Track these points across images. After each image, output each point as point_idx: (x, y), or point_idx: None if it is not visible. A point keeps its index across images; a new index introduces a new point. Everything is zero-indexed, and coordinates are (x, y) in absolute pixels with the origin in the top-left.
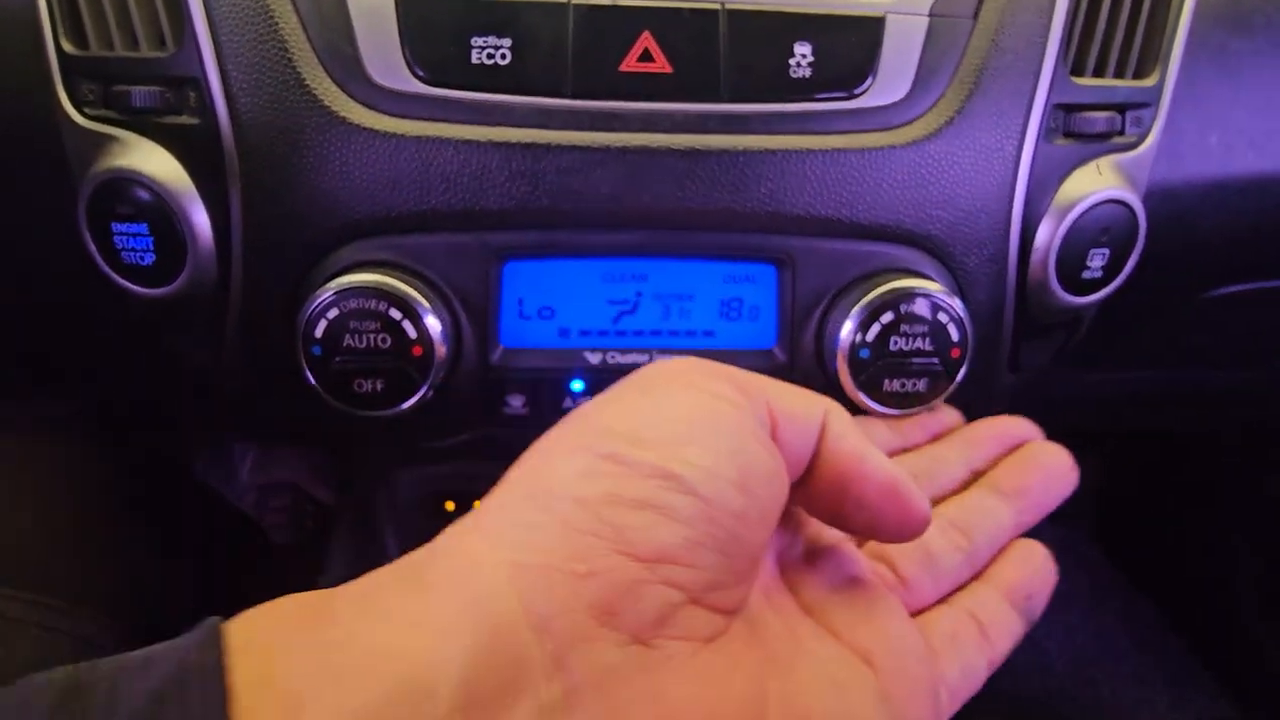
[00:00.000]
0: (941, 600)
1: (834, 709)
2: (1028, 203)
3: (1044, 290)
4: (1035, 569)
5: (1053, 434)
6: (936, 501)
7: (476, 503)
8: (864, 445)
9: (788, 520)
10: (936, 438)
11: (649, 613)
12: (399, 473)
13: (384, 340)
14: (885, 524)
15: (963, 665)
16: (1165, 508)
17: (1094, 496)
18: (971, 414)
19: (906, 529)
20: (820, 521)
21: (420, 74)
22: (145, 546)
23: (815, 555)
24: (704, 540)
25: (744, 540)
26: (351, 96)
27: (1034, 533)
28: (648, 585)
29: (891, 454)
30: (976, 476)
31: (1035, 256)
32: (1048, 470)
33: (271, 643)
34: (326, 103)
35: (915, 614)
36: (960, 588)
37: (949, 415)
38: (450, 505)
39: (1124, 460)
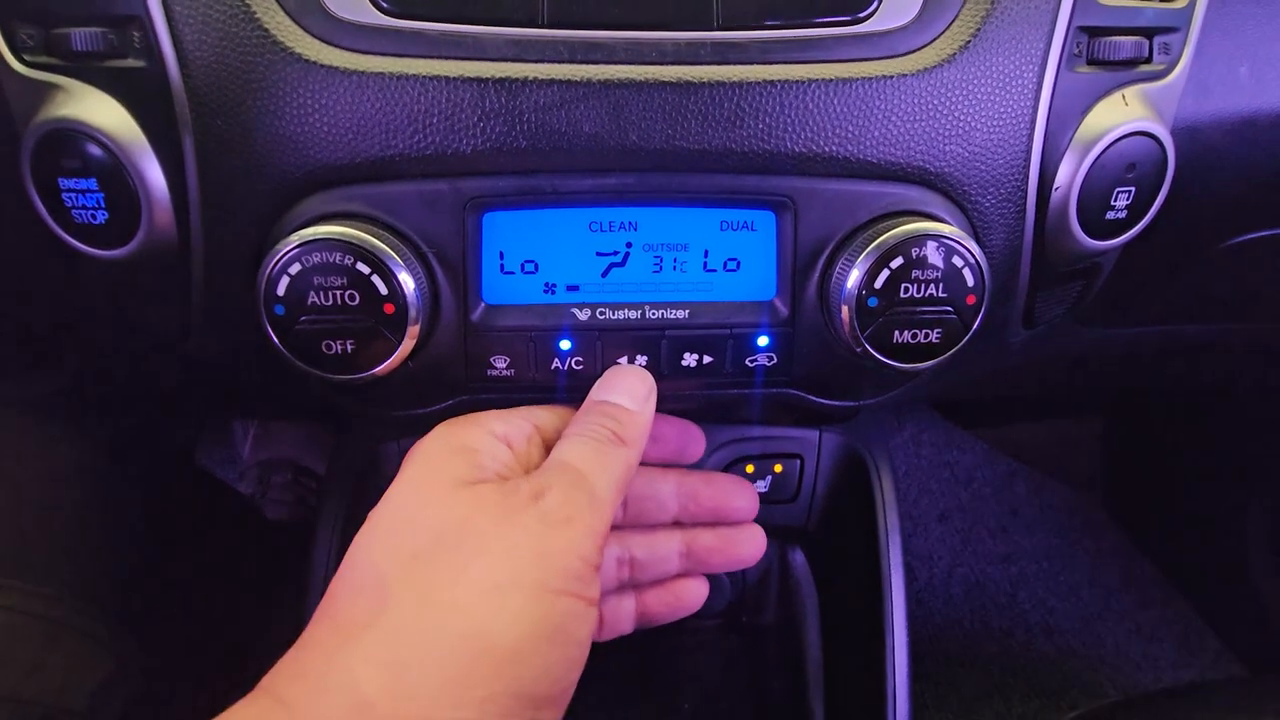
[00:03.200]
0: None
1: None
2: (1048, 136)
3: (1064, 232)
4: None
5: (1061, 393)
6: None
7: None
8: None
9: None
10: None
11: None
12: (383, 447)
13: (352, 298)
14: None
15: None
16: (1174, 469)
17: (1101, 460)
18: (982, 374)
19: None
20: None
21: (382, 4)
22: (139, 533)
23: None
24: None
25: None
26: (307, 31)
27: (1043, 492)
28: None
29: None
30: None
31: (1056, 195)
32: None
33: None
34: (280, 38)
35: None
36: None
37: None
38: None
39: (1132, 423)
